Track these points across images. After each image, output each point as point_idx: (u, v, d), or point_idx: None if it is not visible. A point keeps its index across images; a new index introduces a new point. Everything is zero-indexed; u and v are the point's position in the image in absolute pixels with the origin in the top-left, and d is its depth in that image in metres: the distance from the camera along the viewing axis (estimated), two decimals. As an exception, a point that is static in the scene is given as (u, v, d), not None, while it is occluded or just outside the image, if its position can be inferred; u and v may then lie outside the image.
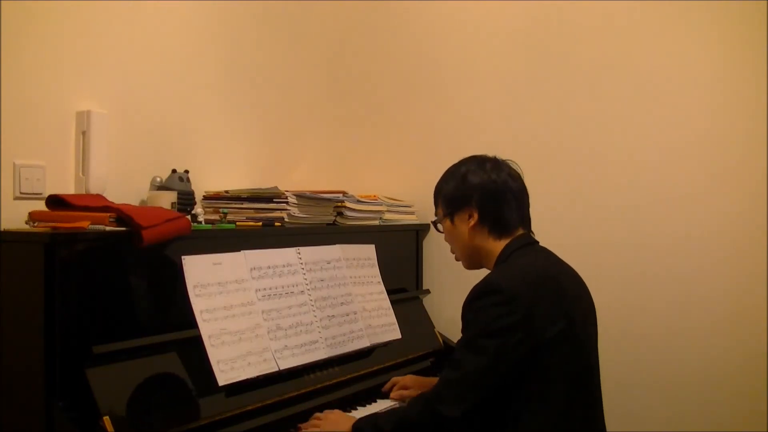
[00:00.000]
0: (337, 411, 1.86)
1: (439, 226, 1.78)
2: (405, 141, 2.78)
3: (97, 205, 1.71)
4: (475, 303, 1.56)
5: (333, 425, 1.75)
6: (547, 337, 1.50)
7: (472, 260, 1.75)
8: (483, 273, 1.70)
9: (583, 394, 1.58)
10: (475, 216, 1.67)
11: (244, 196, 2.17)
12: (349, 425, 1.69)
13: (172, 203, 1.99)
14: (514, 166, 1.74)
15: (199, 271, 1.71)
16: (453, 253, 1.79)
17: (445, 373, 1.59)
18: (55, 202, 1.72)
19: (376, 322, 2.18)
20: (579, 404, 1.56)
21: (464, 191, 1.69)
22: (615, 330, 2.25)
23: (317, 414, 1.83)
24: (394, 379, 2.11)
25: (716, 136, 2.21)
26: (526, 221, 1.72)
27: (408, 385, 2.08)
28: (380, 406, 2.02)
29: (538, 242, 1.73)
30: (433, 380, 2.08)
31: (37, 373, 1.50)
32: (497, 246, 1.68)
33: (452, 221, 1.72)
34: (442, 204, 1.75)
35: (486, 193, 1.67)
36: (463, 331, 1.59)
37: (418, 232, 2.70)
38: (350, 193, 2.39)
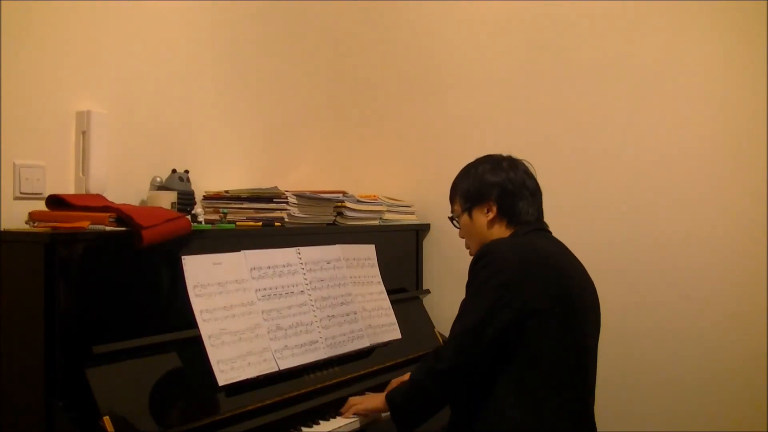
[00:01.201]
0: (372, 394, 1.97)
1: (456, 222, 1.83)
2: (405, 141, 2.78)
3: (97, 205, 1.71)
4: (473, 267, 1.65)
5: (371, 399, 1.89)
6: (534, 307, 1.55)
7: None
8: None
9: (572, 384, 1.59)
10: (494, 209, 1.74)
11: (244, 196, 2.17)
12: (382, 396, 1.82)
13: (172, 203, 1.99)
14: (528, 166, 1.80)
15: (199, 271, 1.71)
16: (467, 248, 1.83)
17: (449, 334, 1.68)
18: (55, 202, 1.72)
19: (376, 322, 2.18)
20: (565, 393, 1.57)
21: (483, 188, 1.75)
22: (615, 329, 2.25)
23: (352, 398, 1.93)
24: (394, 381, 2.10)
25: (717, 135, 2.21)
26: (539, 216, 1.78)
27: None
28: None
29: (549, 231, 1.78)
30: None
31: (37, 373, 1.50)
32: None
33: (470, 215, 1.78)
34: (459, 200, 1.81)
35: (505, 190, 1.74)
36: (465, 293, 1.67)
37: (418, 232, 2.70)
38: (350, 193, 2.39)
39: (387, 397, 1.79)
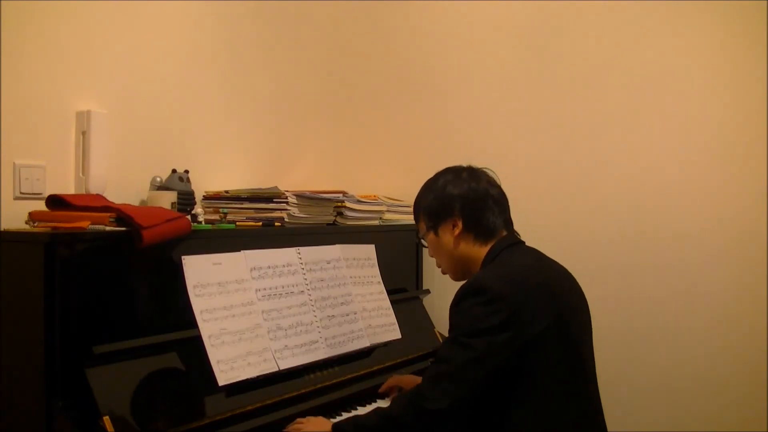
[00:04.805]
0: (318, 417, 1.81)
1: (424, 241, 1.78)
2: (405, 141, 2.78)
3: (97, 205, 1.71)
4: (461, 304, 1.56)
5: (315, 426, 1.75)
6: (534, 333, 1.50)
7: (459, 270, 1.74)
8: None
9: (576, 391, 1.58)
10: (459, 224, 1.68)
11: (244, 196, 2.17)
12: (329, 426, 1.69)
13: (172, 203, 1.99)
14: (491, 174, 1.75)
15: (199, 271, 1.71)
16: (439, 267, 1.79)
17: (430, 369, 1.59)
18: (55, 202, 1.72)
19: (376, 322, 2.18)
20: (572, 401, 1.55)
21: (445, 202, 1.69)
22: (614, 329, 2.25)
23: (299, 419, 1.80)
24: (394, 377, 2.10)
25: (717, 134, 2.21)
26: (508, 224, 1.73)
27: (408, 383, 2.06)
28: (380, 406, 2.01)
29: (523, 242, 1.73)
30: None
31: (37, 373, 1.50)
32: (483, 251, 1.68)
33: (436, 233, 1.72)
34: (423, 218, 1.75)
35: (468, 201, 1.68)
36: (450, 332, 1.59)
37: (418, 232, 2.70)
38: (350, 193, 2.39)
39: (335, 429, 1.66)
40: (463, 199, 1.68)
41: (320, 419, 1.80)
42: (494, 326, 1.50)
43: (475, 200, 1.68)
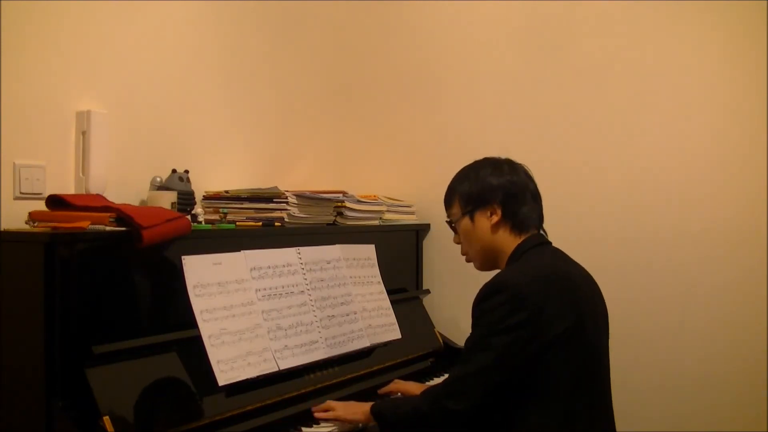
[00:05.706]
0: (350, 401, 1.89)
1: (456, 225, 1.77)
2: (405, 141, 2.78)
3: (97, 205, 1.71)
4: (483, 302, 1.57)
5: (349, 408, 1.80)
6: (555, 334, 1.51)
7: (486, 260, 1.75)
8: (486, 273, 1.72)
9: (590, 394, 1.58)
10: (498, 212, 1.69)
11: (244, 196, 2.17)
12: (366, 408, 1.75)
13: (172, 203, 1.99)
14: (528, 169, 1.77)
15: (199, 271, 1.71)
16: (465, 254, 1.78)
17: (454, 370, 1.62)
18: (55, 202, 1.72)
19: (376, 322, 2.18)
20: (585, 404, 1.55)
21: (486, 191, 1.70)
22: (614, 328, 2.24)
23: (330, 402, 1.85)
24: (397, 383, 2.10)
25: (717, 133, 2.21)
26: (540, 222, 1.74)
27: (410, 390, 2.06)
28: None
29: (551, 243, 1.74)
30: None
31: (37, 373, 1.50)
32: (514, 243, 1.69)
33: (472, 219, 1.72)
34: (460, 202, 1.75)
35: (509, 193, 1.69)
36: (472, 329, 1.61)
37: (418, 232, 2.70)
38: (350, 193, 2.39)
39: (374, 412, 1.72)
40: (504, 190, 1.69)
41: (353, 402, 1.87)
42: (515, 325, 1.51)
43: (515, 192, 1.69)
